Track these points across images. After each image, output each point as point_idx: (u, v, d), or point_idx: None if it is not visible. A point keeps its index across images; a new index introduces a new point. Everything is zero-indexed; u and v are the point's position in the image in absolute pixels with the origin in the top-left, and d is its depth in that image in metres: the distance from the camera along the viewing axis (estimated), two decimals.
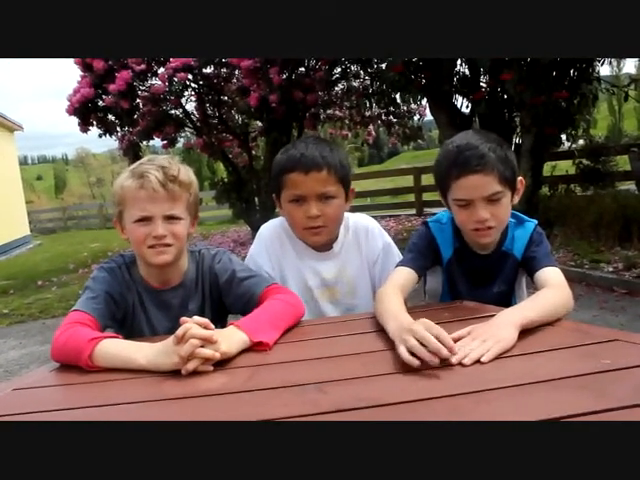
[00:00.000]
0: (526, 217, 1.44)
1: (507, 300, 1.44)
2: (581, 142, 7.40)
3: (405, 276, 1.37)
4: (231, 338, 1.10)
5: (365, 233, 1.59)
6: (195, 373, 1.01)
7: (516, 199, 1.36)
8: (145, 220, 1.29)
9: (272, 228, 1.60)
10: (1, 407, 0.97)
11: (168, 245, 1.31)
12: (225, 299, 1.42)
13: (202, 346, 1.02)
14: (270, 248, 1.56)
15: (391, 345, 1.06)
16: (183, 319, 1.06)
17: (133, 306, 1.39)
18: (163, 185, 1.28)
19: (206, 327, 1.05)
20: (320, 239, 1.51)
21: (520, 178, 1.37)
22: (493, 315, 1.08)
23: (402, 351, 0.95)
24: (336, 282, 1.56)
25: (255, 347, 1.12)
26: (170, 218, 1.30)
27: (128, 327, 1.39)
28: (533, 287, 1.35)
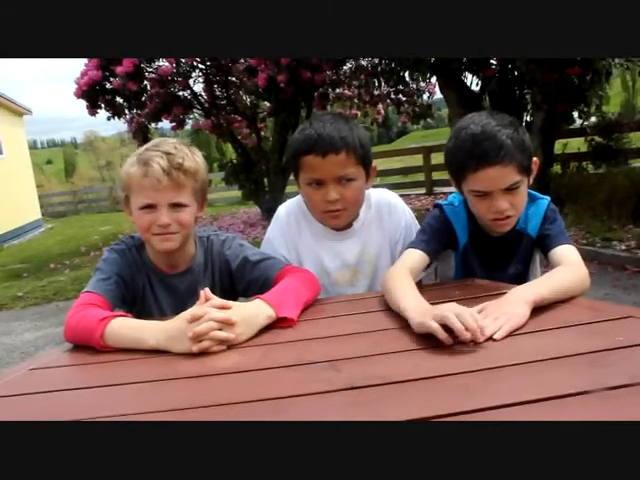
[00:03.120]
0: (538, 194, 1.41)
1: (523, 280, 1.40)
2: (593, 119, 7.29)
3: (416, 258, 1.34)
4: (253, 319, 1.10)
5: (388, 209, 1.54)
6: (208, 352, 1.02)
7: (531, 180, 1.33)
8: (150, 207, 1.28)
9: (289, 209, 1.56)
10: (19, 386, 0.99)
11: (173, 233, 1.30)
12: (238, 284, 1.42)
13: (219, 329, 1.03)
14: (286, 231, 1.52)
15: (402, 323, 1.06)
16: (206, 291, 1.08)
17: (143, 288, 1.40)
18: (167, 174, 1.25)
19: (224, 307, 1.07)
20: (340, 222, 1.47)
21: (535, 159, 1.33)
22: (505, 292, 1.08)
23: (435, 327, 0.92)
24: (358, 262, 1.51)
25: (278, 324, 1.13)
26: (175, 206, 1.29)
27: (138, 309, 1.40)
28: (544, 265, 1.34)
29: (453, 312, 0.92)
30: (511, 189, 1.26)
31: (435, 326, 0.93)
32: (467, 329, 0.90)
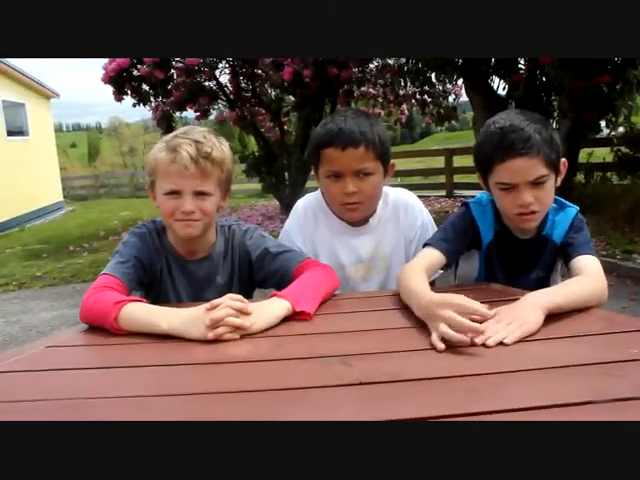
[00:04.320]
0: (568, 203, 1.40)
1: (544, 287, 1.39)
2: (621, 129, 7.17)
3: (433, 256, 1.33)
4: (270, 311, 1.12)
5: (405, 209, 1.56)
6: (222, 340, 1.03)
7: (558, 181, 1.31)
8: (175, 194, 1.30)
9: (307, 203, 1.59)
10: (36, 363, 1.01)
11: (196, 220, 1.32)
12: (257, 275, 1.44)
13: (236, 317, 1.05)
14: (303, 224, 1.55)
15: (414, 322, 1.07)
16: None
17: (161, 272, 1.41)
18: (195, 161, 1.27)
19: (240, 300, 1.09)
20: (356, 215, 1.49)
21: (563, 160, 1.32)
22: (519, 299, 1.07)
23: (434, 339, 0.95)
24: (372, 258, 1.54)
25: (295, 317, 1.14)
26: (200, 194, 1.31)
27: (155, 292, 1.42)
28: (563, 274, 1.32)
29: (450, 320, 0.95)
30: (537, 183, 1.25)
31: (436, 343, 0.94)
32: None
